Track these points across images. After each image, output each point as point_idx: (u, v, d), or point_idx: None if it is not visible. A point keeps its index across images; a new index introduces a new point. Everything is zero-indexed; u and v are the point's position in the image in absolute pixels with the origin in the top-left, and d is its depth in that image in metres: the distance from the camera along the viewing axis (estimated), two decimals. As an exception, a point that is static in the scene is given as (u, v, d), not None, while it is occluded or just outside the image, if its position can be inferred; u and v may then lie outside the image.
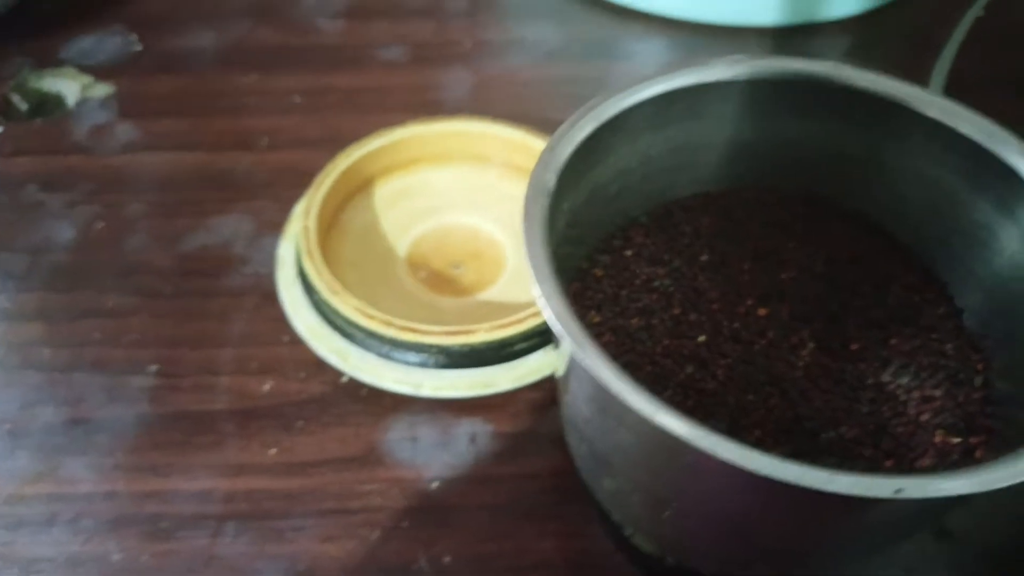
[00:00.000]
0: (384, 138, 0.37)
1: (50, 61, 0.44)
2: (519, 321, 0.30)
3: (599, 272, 0.26)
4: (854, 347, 0.24)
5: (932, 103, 0.24)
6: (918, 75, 0.44)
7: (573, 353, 0.18)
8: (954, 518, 0.29)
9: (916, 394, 0.24)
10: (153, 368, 0.33)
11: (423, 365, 0.31)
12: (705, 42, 0.46)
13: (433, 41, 0.46)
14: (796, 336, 0.24)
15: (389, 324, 0.30)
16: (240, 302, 0.35)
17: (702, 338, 0.24)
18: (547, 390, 0.32)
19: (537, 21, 0.48)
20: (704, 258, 0.26)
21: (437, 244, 0.36)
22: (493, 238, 0.36)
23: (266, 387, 0.32)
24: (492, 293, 0.34)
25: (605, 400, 0.18)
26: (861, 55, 0.46)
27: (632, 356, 0.24)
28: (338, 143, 0.37)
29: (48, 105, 0.42)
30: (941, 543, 0.28)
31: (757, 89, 0.25)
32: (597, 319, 0.25)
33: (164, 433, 0.31)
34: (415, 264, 0.35)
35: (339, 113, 0.42)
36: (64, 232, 0.37)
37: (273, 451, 0.30)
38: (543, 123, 0.41)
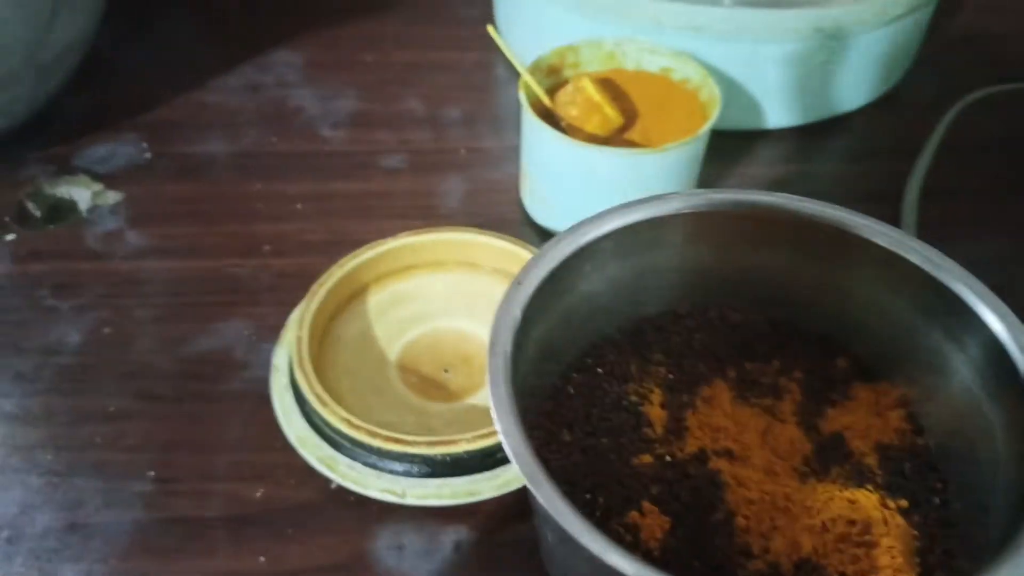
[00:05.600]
0: (377, 248, 0.39)
1: (65, 169, 0.47)
2: (500, 432, 0.31)
3: (572, 391, 0.27)
4: (815, 467, 0.25)
5: (881, 233, 0.26)
6: (898, 179, 0.46)
7: (532, 494, 0.19)
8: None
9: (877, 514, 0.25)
10: (151, 473, 0.34)
11: (408, 474, 0.32)
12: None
13: (431, 149, 0.49)
14: (761, 456, 0.25)
15: (375, 435, 0.31)
16: (238, 407, 0.36)
17: (668, 458, 0.25)
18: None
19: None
20: (672, 377, 0.27)
21: (428, 348, 0.37)
22: (482, 342, 0.38)
23: (258, 493, 0.33)
24: (481, 397, 0.36)
25: (565, 534, 0.19)
26: (830, 164, 0.49)
27: (600, 477, 0.25)
28: (340, 248, 0.39)
29: (61, 211, 0.44)
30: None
31: (712, 220, 0.26)
32: (568, 438, 0.26)
33: (158, 539, 0.32)
34: (406, 368, 0.36)
35: (341, 219, 0.44)
36: (72, 336, 0.39)
37: (262, 559, 0.31)
38: (534, 228, 0.43)
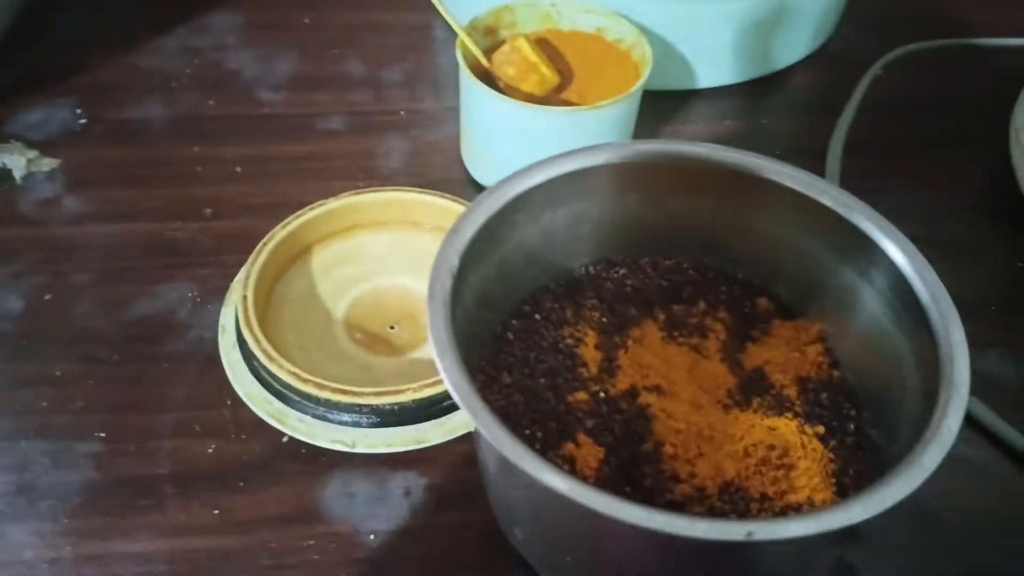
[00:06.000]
0: (321, 208, 0.39)
1: (-3, 136, 0.46)
2: (445, 380, 0.32)
3: (511, 336, 0.29)
4: (738, 399, 0.27)
5: (796, 179, 0.27)
6: (827, 135, 0.48)
7: (471, 420, 0.21)
8: (854, 554, 0.31)
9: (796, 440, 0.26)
10: (100, 434, 0.34)
11: (357, 424, 0.33)
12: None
13: (371, 110, 0.49)
14: (687, 391, 0.27)
15: (323, 387, 0.32)
16: (184, 367, 0.36)
17: (602, 395, 0.27)
18: (474, 443, 0.34)
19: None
20: (605, 321, 0.29)
21: (373, 306, 0.38)
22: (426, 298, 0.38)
23: (209, 450, 0.34)
24: (425, 351, 0.37)
25: (502, 461, 0.20)
26: (763, 121, 0.50)
27: (538, 415, 0.26)
28: (281, 210, 0.39)
29: (-4, 179, 0.44)
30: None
31: (640, 170, 0.28)
32: (508, 380, 0.27)
33: (108, 498, 0.32)
34: (352, 326, 0.37)
35: (282, 181, 0.44)
36: (12, 302, 0.39)
37: (215, 511, 0.32)
38: (475, 187, 0.44)
